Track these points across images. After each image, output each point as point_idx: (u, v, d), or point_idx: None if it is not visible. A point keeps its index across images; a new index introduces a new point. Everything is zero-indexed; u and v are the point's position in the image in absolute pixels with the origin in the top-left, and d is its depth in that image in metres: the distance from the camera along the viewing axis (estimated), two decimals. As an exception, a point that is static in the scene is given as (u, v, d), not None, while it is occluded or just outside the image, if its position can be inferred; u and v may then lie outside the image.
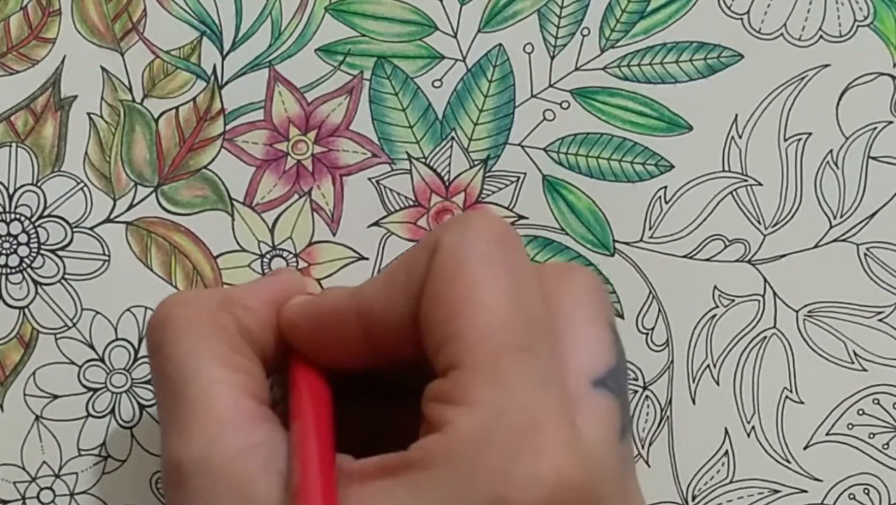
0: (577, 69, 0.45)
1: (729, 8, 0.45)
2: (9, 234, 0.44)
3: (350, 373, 0.38)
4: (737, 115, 0.45)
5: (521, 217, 0.45)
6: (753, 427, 0.45)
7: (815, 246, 0.45)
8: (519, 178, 0.45)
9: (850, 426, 0.45)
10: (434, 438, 0.32)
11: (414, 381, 0.35)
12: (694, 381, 0.45)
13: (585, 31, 0.45)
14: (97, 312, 0.44)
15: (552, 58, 0.45)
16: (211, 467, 0.34)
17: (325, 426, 0.36)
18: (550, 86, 0.45)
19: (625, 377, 0.36)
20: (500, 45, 0.45)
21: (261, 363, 0.38)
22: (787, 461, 0.45)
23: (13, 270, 0.44)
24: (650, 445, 0.45)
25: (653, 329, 0.45)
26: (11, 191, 0.44)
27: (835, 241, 0.45)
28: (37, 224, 0.44)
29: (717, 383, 0.45)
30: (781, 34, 0.45)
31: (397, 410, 0.38)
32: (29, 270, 0.44)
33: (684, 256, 0.45)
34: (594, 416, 0.34)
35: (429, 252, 0.35)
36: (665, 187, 0.45)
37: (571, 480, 0.31)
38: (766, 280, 0.45)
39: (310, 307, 0.38)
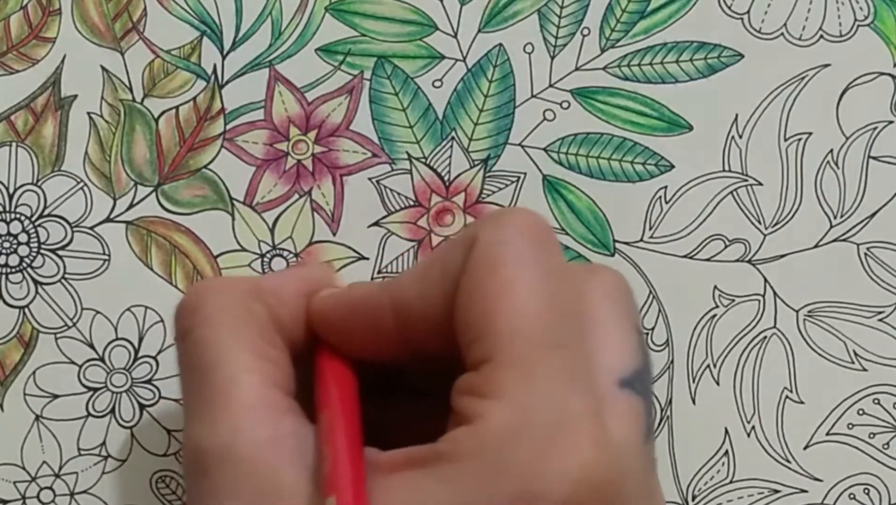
0: (577, 69, 0.45)
1: (729, 8, 0.45)
2: (9, 233, 0.44)
3: (368, 371, 0.38)
4: (737, 115, 0.45)
5: (521, 217, 0.45)
6: (753, 427, 0.45)
7: (816, 246, 0.45)
8: (519, 178, 0.45)
9: (851, 426, 0.45)
10: (464, 431, 0.32)
11: (435, 380, 0.36)
12: (694, 381, 0.45)
13: (586, 31, 0.45)
14: (97, 312, 0.44)
15: (552, 58, 0.45)
16: (236, 457, 0.34)
17: (353, 417, 0.35)
18: (551, 86, 0.45)
19: (650, 379, 0.36)
20: (501, 45, 0.45)
21: (289, 355, 0.38)
22: (788, 461, 0.45)
23: (13, 270, 0.44)
24: (650, 444, 0.45)
25: (653, 329, 0.45)
26: (11, 190, 0.44)
27: (835, 241, 0.45)
28: (37, 224, 0.44)
29: (717, 383, 0.45)
30: (781, 34, 0.45)
31: (413, 410, 0.38)
32: (29, 269, 0.44)
33: (684, 256, 0.45)
34: (621, 416, 0.34)
35: (465, 247, 0.35)
36: (665, 187, 0.45)
37: (599, 478, 0.31)
38: (766, 280, 0.45)
39: (342, 298, 0.38)
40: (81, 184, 0.45)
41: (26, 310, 0.44)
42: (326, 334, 0.38)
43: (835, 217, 0.45)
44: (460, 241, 0.35)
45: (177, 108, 0.45)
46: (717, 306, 0.45)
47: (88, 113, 0.45)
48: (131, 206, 0.45)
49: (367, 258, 0.45)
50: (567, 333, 0.33)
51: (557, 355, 0.33)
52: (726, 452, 0.45)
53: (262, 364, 0.36)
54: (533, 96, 0.45)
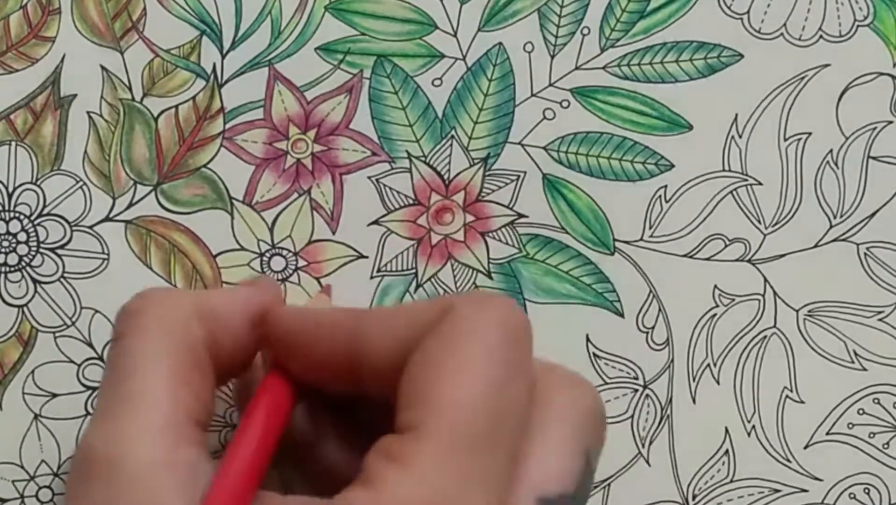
0: (577, 68, 0.45)
1: (729, 7, 0.45)
2: (8, 232, 0.44)
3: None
4: (737, 115, 0.45)
5: (521, 215, 0.45)
6: (754, 426, 0.45)
7: (815, 246, 0.45)
8: (519, 176, 0.45)
9: (851, 426, 0.45)
10: (362, 495, 0.32)
11: (383, 423, 0.35)
12: (694, 380, 0.45)
13: (585, 31, 0.45)
14: (96, 311, 0.44)
15: (552, 57, 0.45)
16: (122, 472, 0.33)
17: (265, 446, 0.35)
18: (550, 85, 0.45)
19: None
20: (500, 43, 0.45)
21: (215, 382, 0.38)
22: (788, 460, 0.45)
23: (12, 269, 0.44)
24: (650, 444, 0.45)
25: (653, 328, 0.45)
26: (11, 189, 0.44)
27: (835, 240, 0.45)
28: (36, 223, 0.44)
29: (718, 382, 0.45)
30: (781, 34, 0.45)
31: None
32: (28, 268, 0.44)
33: (684, 256, 0.45)
34: None
35: (441, 311, 0.34)
36: (665, 186, 0.45)
37: None
38: (766, 279, 0.45)
39: (310, 314, 0.38)
40: (81, 183, 0.45)
41: (25, 309, 0.44)
42: (278, 351, 0.38)
43: (835, 217, 0.45)
44: (437, 304, 0.35)
45: (176, 107, 0.45)
46: (717, 306, 0.45)
47: (88, 112, 0.45)
48: (130, 205, 0.45)
49: (367, 257, 0.45)
50: (500, 434, 0.33)
51: (480, 452, 0.32)
52: (726, 451, 0.45)
53: (181, 389, 0.36)
54: (533, 95, 0.45)
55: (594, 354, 0.45)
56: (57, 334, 0.44)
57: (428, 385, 0.33)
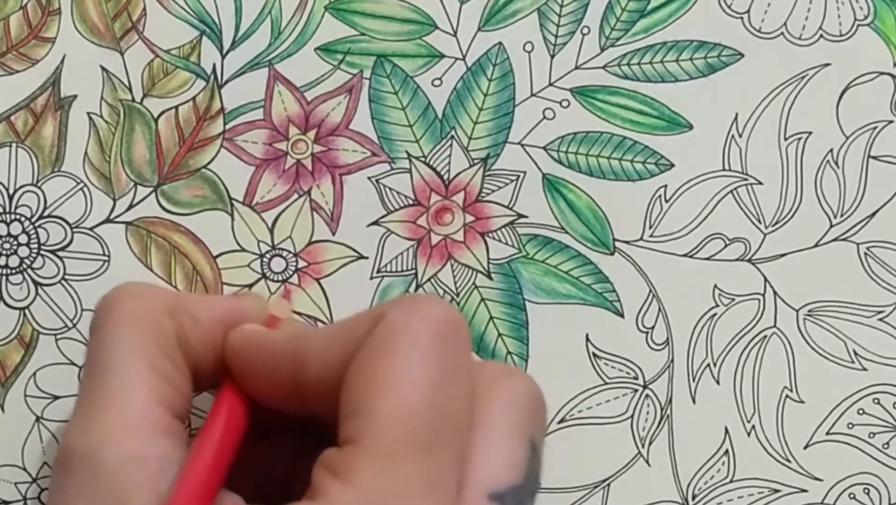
0: (577, 68, 0.45)
1: (729, 7, 0.45)
2: (9, 234, 0.44)
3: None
4: (737, 114, 0.45)
5: (520, 216, 0.45)
6: (754, 426, 0.45)
7: (816, 245, 0.45)
8: (519, 176, 0.45)
9: (851, 426, 0.45)
10: None
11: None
12: (694, 380, 0.45)
13: (585, 30, 0.45)
14: (97, 313, 0.44)
15: (552, 56, 0.45)
16: (97, 465, 0.34)
17: (224, 453, 0.35)
18: (550, 84, 0.45)
19: (528, 497, 0.36)
20: (500, 43, 0.45)
21: (191, 377, 0.38)
22: (788, 460, 0.45)
23: (13, 271, 0.44)
24: (650, 444, 0.45)
25: (653, 328, 0.45)
26: (11, 191, 0.44)
27: (835, 240, 0.45)
28: (37, 224, 0.44)
29: (718, 382, 0.45)
30: (782, 33, 0.45)
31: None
32: (29, 270, 0.44)
33: (684, 255, 0.45)
34: None
35: (373, 322, 0.34)
36: (665, 186, 0.45)
37: None
38: (766, 279, 0.45)
39: (255, 337, 0.38)
40: (81, 184, 0.45)
41: (27, 311, 0.44)
42: (232, 368, 0.38)
43: (835, 216, 0.45)
44: (370, 315, 0.35)
45: (176, 107, 0.45)
46: (717, 305, 0.45)
47: (88, 113, 0.45)
48: (131, 206, 0.45)
49: (367, 257, 0.45)
50: (440, 435, 0.33)
51: (421, 457, 0.32)
52: (726, 451, 0.45)
53: (157, 379, 0.36)
54: (533, 95, 0.45)
55: (594, 354, 0.45)
56: (58, 336, 0.44)
57: (363, 396, 0.33)
